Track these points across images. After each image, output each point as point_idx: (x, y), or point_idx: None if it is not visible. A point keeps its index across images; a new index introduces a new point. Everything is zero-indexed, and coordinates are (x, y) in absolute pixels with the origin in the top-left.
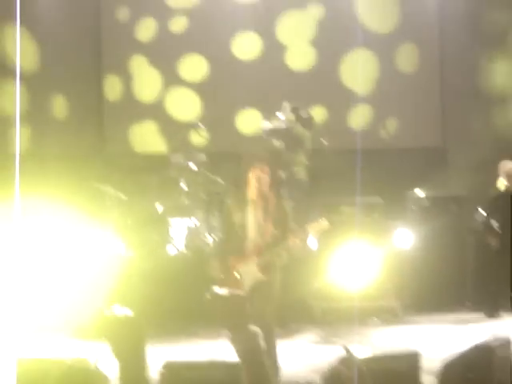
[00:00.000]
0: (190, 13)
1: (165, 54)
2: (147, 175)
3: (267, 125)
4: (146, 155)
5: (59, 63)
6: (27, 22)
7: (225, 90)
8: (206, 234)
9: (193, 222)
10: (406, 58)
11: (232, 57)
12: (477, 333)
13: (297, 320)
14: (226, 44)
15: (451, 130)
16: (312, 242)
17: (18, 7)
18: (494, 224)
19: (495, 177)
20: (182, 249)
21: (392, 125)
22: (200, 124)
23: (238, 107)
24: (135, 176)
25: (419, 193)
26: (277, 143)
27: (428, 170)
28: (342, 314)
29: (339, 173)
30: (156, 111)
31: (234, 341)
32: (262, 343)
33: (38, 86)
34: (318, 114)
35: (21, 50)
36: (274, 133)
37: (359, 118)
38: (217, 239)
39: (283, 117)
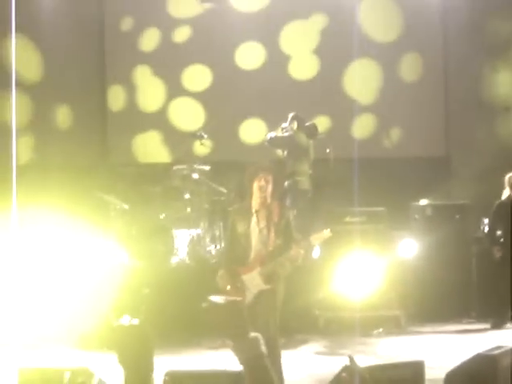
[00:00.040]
0: (193, 23)
1: (168, 64)
2: (151, 185)
3: (271, 134)
4: (149, 165)
5: (63, 73)
6: (31, 33)
7: (228, 99)
8: (210, 244)
9: (196, 231)
10: (410, 68)
11: (235, 66)
12: (481, 343)
13: (300, 330)
14: (230, 54)
15: (455, 140)
16: (315, 251)
17: (13, 16)
18: (498, 233)
19: (499, 186)
20: (186, 258)
21: (395, 134)
22: (203, 134)
23: (241, 117)
24: (139, 186)
25: (423, 202)
26: (280, 152)
27: (431, 179)
28: (346, 323)
29: (342, 182)
30: (159, 121)
31: (236, 349)
32: (264, 348)
33: (42, 96)
34: (322, 123)
35: (25, 60)
36: (278, 142)
37: (363, 127)
38: (220, 249)
39: (287, 126)
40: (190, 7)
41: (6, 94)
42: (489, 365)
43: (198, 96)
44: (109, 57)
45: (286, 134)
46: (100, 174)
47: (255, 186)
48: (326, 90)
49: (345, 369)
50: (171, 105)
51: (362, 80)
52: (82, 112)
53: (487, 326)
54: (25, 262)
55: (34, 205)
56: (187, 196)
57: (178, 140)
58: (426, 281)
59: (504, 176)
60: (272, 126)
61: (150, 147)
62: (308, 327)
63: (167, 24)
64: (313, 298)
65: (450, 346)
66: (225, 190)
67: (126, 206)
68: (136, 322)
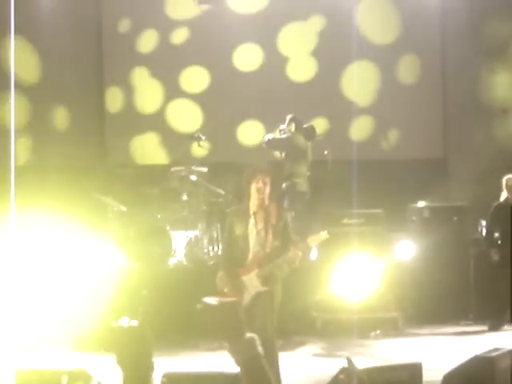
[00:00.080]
0: (191, 24)
1: (166, 66)
2: (148, 186)
3: (269, 136)
4: (147, 166)
5: (61, 75)
6: (30, 34)
7: (226, 101)
8: (207, 245)
9: (194, 233)
10: (408, 70)
11: (233, 68)
12: (479, 345)
13: (298, 332)
14: (228, 55)
15: (453, 142)
16: (313, 253)
17: (12, 18)
18: (496, 235)
19: (497, 188)
20: (183, 260)
21: (393, 136)
22: (201, 135)
23: (239, 118)
24: (136, 187)
25: (420, 204)
26: (278, 154)
27: (429, 181)
28: (344, 325)
29: (340, 184)
30: (157, 123)
31: (232, 350)
32: (260, 349)
33: (39, 97)
34: (320, 125)
35: (23, 61)
36: (276, 144)
37: (360, 129)
38: (218, 250)
39: (284, 128)
40: (188, 9)
41: (4, 96)
42: (486, 367)
43: (196, 97)
44: (107, 58)
45: (284, 136)
46: (98, 176)
47: (253, 187)
48: (323, 92)
49: (342, 370)
50: (169, 106)
51: (359, 82)
52: (80, 113)
53: (485, 328)
54: (22, 264)
55: (31, 206)
56: (185, 197)
57: (175, 141)
58: (424, 283)
59: (502, 178)
60: (270, 127)
61: (148, 149)
62: (306, 329)
63: (165, 25)
64: (310, 299)
65: (447, 348)
66: (222, 192)
67: (123, 208)
68: (135, 323)
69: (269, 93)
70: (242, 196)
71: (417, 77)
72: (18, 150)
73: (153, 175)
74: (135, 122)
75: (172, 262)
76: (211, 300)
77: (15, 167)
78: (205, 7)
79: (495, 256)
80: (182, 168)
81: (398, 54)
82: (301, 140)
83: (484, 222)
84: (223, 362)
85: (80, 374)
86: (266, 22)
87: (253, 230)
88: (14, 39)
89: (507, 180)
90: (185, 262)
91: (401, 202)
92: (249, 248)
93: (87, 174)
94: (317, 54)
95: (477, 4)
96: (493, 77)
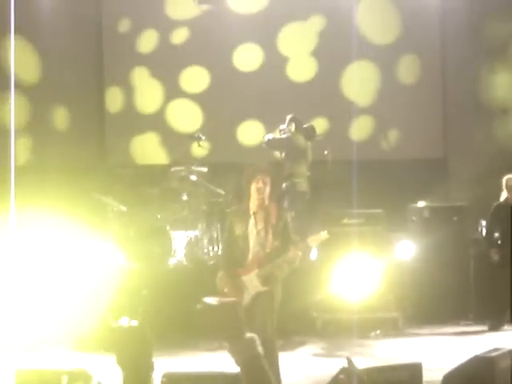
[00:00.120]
0: (191, 24)
1: (166, 66)
2: (148, 186)
3: (269, 136)
4: (147, 166)
5: (61, 75)
6: (29, 34)
7: (226, 101)
8: (207, 245)
9: (194, 233)
10: (408, 70)
11: (233, 68)
12: (479, 345)
13: (298, 332)
14: (228, 55)
15: (453, 142)
16: (313, 253)
17: (12, 18)
18: (496, 235)
19: (496, 188)
20: (183, 260)
21: (393, 136)
22: (201, 135)
23: (239, 118)
24: (136, 187)
25: (420, 204)
26: (278, 154)
27: (429, 181)
28: (344, 325)
29: (340, 184)
30: (157, 123)
31: (232, 350)
32: (260, 349)
33: (39, 97)
34: (320, 125)
35: (23, 61)
36: (276, 144)
37: (360, 129)
38: (217, 250)
39: (285, 128)
40: (188, 9)
41: (4, 96)
42: (486, 367)
43: (196, 97)
44: (107, 58)
45: (284, 136)
46: (98, 176)
47: (253, 187)
48: (323, 92)
49: (342, 370)
50: (169, 106)
51: (359, 82)
52: (80, 113)
53: (485, 328)
54: (22, 264)
55: (31, 206)
56: (185, 197)
57: (175, 141)
58: (424, 283)
59: (502, 178)
60: (270, 127)
61: (148, 149)
62: (306, 329)
63: (165, 25)
64: (310, 299)
65: (447, 348)
66: (223, 192)
67: (123, 208)
68: (135, 323)
69: (269, 93)
70: (242, 196)
71: (417, 77)
72: (18, 149)
73: (153, 175)
74: (135, 122)
75: (172, 262)
76: (211, 300)
77: (15, 167)
78: (205, 7)
79: (495, 256)
80: (182, 168)
81: (398, 54)
82: (301, 140)
83: (484, 222)
84: (223, 362)
85: (80, 374)
86: (265, 21)
87: (253, 230)
88: (14, 39)
89: (507, 180)
90: (185, 262)
91: (401, 202)
92: (249, 248)
93: (87, 174)
94: (317, 53)
95: (477, 4)
96: (493, 77)
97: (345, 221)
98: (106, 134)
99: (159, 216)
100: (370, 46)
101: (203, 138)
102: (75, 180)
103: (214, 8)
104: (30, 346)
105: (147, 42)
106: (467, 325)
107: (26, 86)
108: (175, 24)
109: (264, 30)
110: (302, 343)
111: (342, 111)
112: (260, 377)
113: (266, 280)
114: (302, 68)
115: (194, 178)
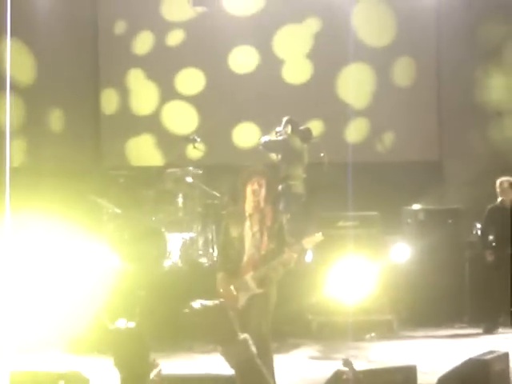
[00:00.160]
0: (186, 27)
1: (161, 68)
2: (144, 188)
3: (265, 138)
4: (142, 168)
5: (56, 77)
6: (25, 36)
7: (221, 103)
8: (203, 247)
9: (189, 235)
10: (403, 72)
11: (229, 70)
12: (473, 348)
13: (293, 334)
14: (223, 57)
15: (448, 144)
16: (308, 255)
17: (8, 20)
18: (490, 238)
19: (491, 191)
20: (178, 262)
21: (389, 138)
22: (196, 137)
23: (234, 120)
24: (132, 189)
25: (415, 206)
26: (274, 156)
27: (424, 184)
28: (339, 327)
29: (336, 186)
30: (153, 124)
31: (225, 353)
32: (254, 349)
33: (35, 99)
34: (316, 127)
35: (18, 63)
36: (272, 146)
37: (356, 131)
38: (213, 252)
39: (281, 130)
40: (184, 11)
41: None
42: (481, 369)
43: (191, 99)
44: (102, 60)
45: (280, 138)
46: (93, 178)
47: (248, 189)
48: (319, 94)
49: (342, 371)
50: (164, 108)
51: (355, 84)
52: (75, 115)
53: (479, 330)
54: (17, 266)
55: (26, 208)
56: (180, 199)
57: (171, 143)
58: (419, 285)
59: (496, 180)
60: (266, 129)
61: (143, 150)
62: (301, 331)
63: (160, 27)
64: (305, 302)
65: (442, 351)
66: (218, 194)
67: (118, 210)
68: (132, 324)
69: (264, 95)
70: (237, 198)
71: (412, 79)
72: (13, 151)
73: (148, 177)
74: (131, 123)
75: (167, 263)
76: (197, 304)
77: (10, 169)
78: (200, 9)
79: (490, 258)
80: (177, 170)
81: (394, 57)
82: (297, 142)
83: (479, 225)
84: (218, 364)
85: (75, 377)
86: (261, 24)
87: (248, 232)
88: (10, 41)
89: (501, 183)
90: (180, 264)
91: (396, 205)
92: (244, 250)
93: (82, 176)
94: (312, 56)
95: (472, 7)
96: (488, 79)
97: (340, 223)
98: (101, 135)
99: (154, 218)
100: (366, 48)
101: (198, 139)
102: (70, 182)
103: (210, 10)
104: (25, 348)
105: (143, 43)
106: (462, 327)
107: (21, 88)
108: (171, 26)
109: (259, 32)
110: (296, 345)
111: (338, 113)
112: (256, 378)
113: (261, 282)
114: (297, 70)
115: (189, 179)
